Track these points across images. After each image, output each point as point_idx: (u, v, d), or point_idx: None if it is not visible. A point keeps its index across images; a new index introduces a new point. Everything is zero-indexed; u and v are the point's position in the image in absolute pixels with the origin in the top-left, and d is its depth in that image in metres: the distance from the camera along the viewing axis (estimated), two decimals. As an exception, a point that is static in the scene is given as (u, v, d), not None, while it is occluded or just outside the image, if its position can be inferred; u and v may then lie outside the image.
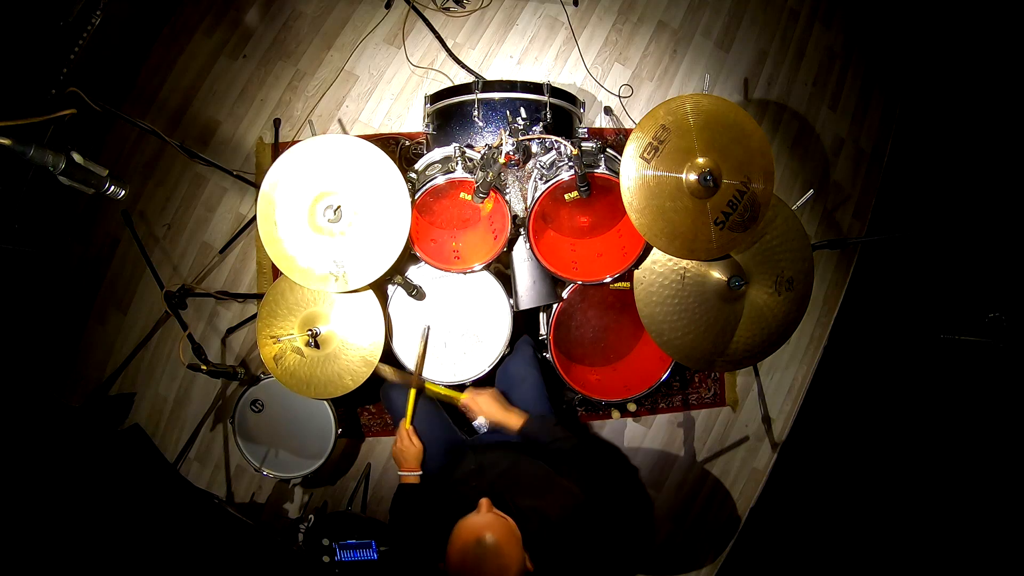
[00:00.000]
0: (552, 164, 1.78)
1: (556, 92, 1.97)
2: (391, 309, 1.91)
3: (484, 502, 1.25)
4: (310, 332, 1.77)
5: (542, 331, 2.01)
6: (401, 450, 1.74)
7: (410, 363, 1.90)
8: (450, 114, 1.98)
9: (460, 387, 1.96)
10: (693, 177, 1.49)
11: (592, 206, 1.88)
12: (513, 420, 1.70)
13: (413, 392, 1.81)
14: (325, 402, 2.00)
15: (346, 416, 2.39)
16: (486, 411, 1.75)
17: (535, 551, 1.23)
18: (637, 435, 2.57)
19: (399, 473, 1.74)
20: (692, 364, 1.74)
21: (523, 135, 1.77)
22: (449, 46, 2.54)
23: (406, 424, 1.78)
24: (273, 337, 1.81)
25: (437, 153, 1.90)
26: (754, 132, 1.52)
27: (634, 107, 2.61)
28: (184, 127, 2.45)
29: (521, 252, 1.93)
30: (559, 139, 1.74)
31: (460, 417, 2.39)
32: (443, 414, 1.93)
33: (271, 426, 2.04)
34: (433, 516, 1.43)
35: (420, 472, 1.72)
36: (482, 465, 1.58)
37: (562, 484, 1.42)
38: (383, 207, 1.62)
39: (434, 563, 1.27)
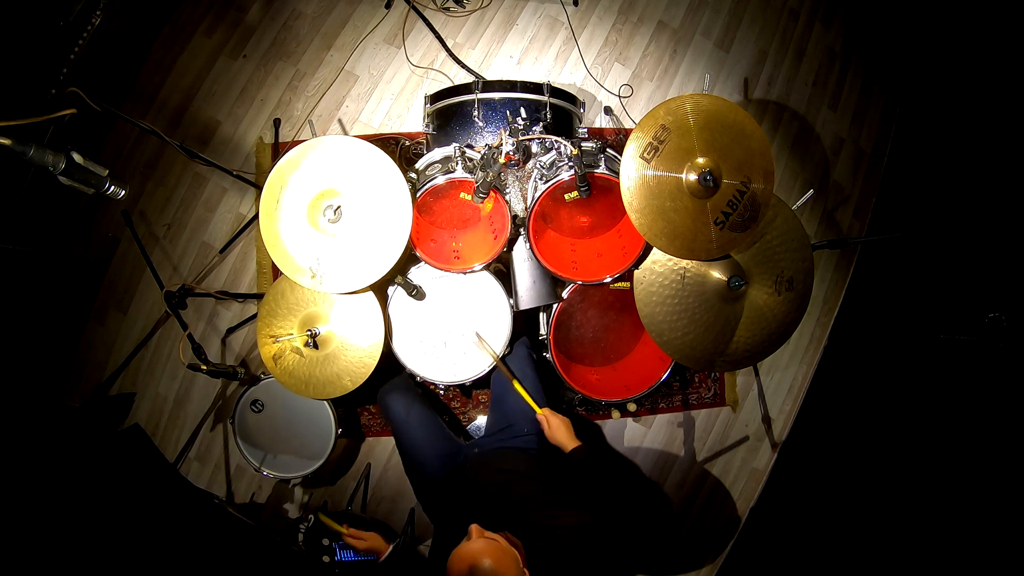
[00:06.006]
0: (552, 164, 1.78)
1: (556, 92, 1.97)
2: (391, 309, 1.91)
3: (474, 528, 1.23)
4: (309, 332, 1.77)
5: (542, 331, 2.01)
6: (369, 549, 1.71)
7: (413, 365, 1.91)
8: (450, 114, 1.98)
9: (463, 389, 1.96)
10: (693, 177, 1.49)
11: (592, 206, 1.88)
12: (572, 445, 1.66)
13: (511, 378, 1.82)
14: (325, 402, 2.00)
15: (346, 416, 2.39)
16: (556, 431, 1.69)
17: (540, 568, 1.21)
18: (637, 435, 2.57)
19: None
20: (692, 364, 1.74)
21: (523, 135, 1.77)
22: (449, 46, 2.54)
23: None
24: (272, 336, 1.81)
25: (437, 153, 1.90)
26: (754, 132, 1.52)
27: (634, 107, 2.61)
28: (184, 127, 2.45)
29: (521, 252, 1.93)
30: (559, 139, 1.74)
31: (456, 425, 2.40)
32: (439, 420, 1.93)
33: (271, 426, 2.04)
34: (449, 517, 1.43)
35: (390, 547, 1.68)
36: (489, 480, 1.58)
37: (573, 503, 1.42)
38: (384, 209, 1.62)
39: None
